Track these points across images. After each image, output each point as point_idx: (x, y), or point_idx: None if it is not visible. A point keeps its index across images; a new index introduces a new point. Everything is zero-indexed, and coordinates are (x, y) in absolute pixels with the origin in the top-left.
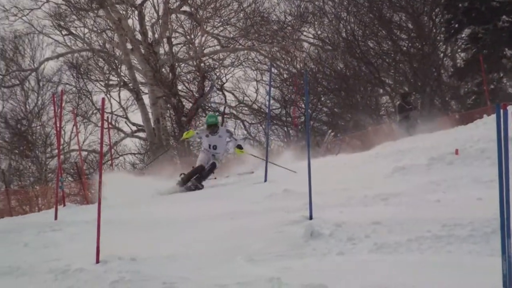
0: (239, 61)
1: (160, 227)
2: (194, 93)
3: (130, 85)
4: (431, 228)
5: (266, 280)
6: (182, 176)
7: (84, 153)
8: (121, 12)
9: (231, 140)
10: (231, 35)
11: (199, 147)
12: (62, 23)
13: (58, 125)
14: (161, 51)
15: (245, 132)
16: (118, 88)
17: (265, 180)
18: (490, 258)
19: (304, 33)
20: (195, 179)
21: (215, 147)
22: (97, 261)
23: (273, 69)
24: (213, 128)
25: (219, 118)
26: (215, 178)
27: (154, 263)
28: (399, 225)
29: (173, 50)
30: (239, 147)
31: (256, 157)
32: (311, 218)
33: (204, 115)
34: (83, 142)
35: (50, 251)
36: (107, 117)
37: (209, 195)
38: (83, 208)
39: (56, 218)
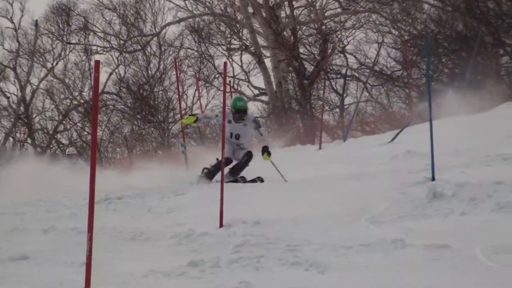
0: (360, 23)
1: (284, 190)
2: (316, 56)
3: (251, 48)
4: None
5: (390, 241)
6: (206, 171)
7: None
8: None
9: (256, 133)
10: None
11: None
12: None
13: (180, 89)
14: (282, 14)
15: (367, 94)
16: (239, 52)
17: (391, 141)
18: None
19: None
20: (229, 172)
21: (237, 137)
22: (221, 225)
23: (394, 31)
24: (241, 114)
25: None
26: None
27: (278, 226)
28: None
29: (294, 13)
30: (266, 149)
31: (279, 173)
32: (433, 179)
33: (327, 77)
34: (206, 106)
35: (173, 216)
36: (229, 81)
37: (332, 158)
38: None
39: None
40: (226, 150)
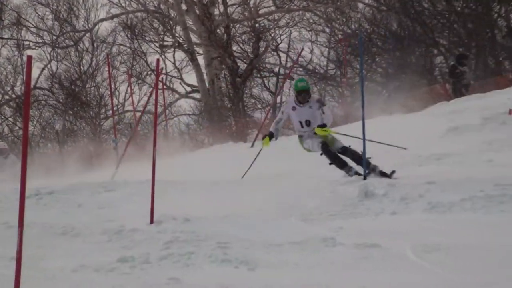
0: (294, 21)
1: (214, 187)
2: (249, 54)
3: (184, 46)
4: (484, 188)
5: (320, 240)
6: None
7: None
8: None
9: (320, 113)
10: None
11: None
12: None
13: (112, 85)
14: (216, 11)
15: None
16: (172, 49)
17: None
18: None
19: None
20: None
21: (308, 123)
22: (151, 222)
23: (327, 30)
24: (304, 95)
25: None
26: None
27: (208, 223)
28: (453, 184)
29: (228, 11)
30: (323, 125)
31: (345, 135)
32: (365, 178)
33: (258, 76)
34: (138, 103)
35: (104, 211)
36: (162, 78)
37: (267, 156)
38: (137, 169)
39: (113, 178)
40: (310, 145)
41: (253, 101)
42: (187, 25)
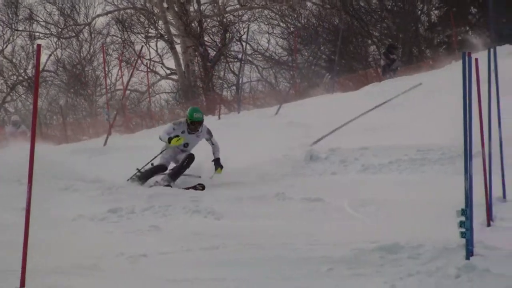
0: (255, 17)
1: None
2: (217, 43)
3: (165, 37)
4: (408, 153)
5: (273, 195)
6: (138, 173)
7: (127, 92)
8: None
9: (209, 143)
10: None
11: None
12: None
13: (106, 69)
14: (191, 9)
15: (259, 75)
16: (155, 39)
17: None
18: (456, 176)
19: None
20: (169, 175)
21: (186, 145)
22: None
23: (282, 23)
24: (197, 125)
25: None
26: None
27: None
28: (383, 150)
29: (201, 8)
30: (219, 162)
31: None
32: (311, 144)
33: (225, 61)
34: (127, 83)
35: (98, 171)
36: (146, 62)
37: (229, 126)
38: (125, 137)
39: (105, 144)
40: (165, 157)
41: (220, 81)
42: (168, 20)
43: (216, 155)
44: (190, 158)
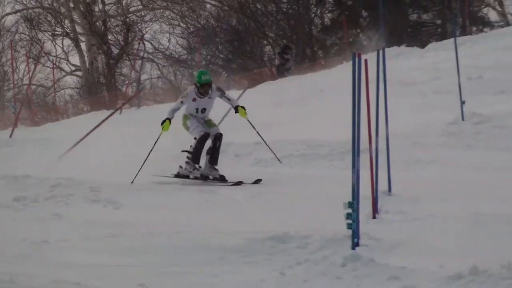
0: (156, 17)
1: (92, 146)
2: (121, 42)
3: (71, 35)
4: (299, 148)
5: (170, 186)
6: (189, 155)
7: (33, 87)
8: None
9: (224, 100)
10: None
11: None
12: None
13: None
14: (96, 9)
15: (160, 73)
16: (61, 37)
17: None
18: (344, 171)
19: None
20: (210, 163)
21: (203, 111)
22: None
23: (182, 24)
24: (206, 88)
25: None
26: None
27: (85, 172)
28: (275, 145)
29: (105, 8)
30: (238, 106)
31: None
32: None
33: (127, 59)
34: (34, 79)
35: (4, 162)
36: (52, 59)
37: (130, 121)
38: (31, 130)
39: (11, 136)
40: (199, 127)
41: (123, 78)
42: (74, 19)
43: (235, 104)
44: (220, 138)
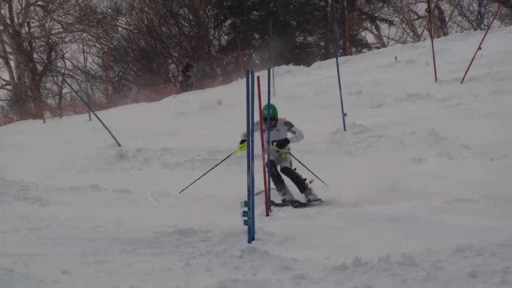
0: (75, 38)
1: (21, 150)
2: (44, 60)
3: (1, 53)
4: (200, 153)
5: (89, 186)
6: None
7: None
8: None
9: (291, 133)
10: (70, 21)
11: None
12: None
13: None
14: (23, 31)
15: (78, 86)
16: None
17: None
18: (240, 174)
19: (119, 21)
20: (302, 190)
21: (273, 143)
22: None
23: (97, 44)
24: (270, 121)
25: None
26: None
27: (15, 173)
28: (180, 151)
29: (31, 31)
30: (284, 143)
31: (298, 161)
32: (119, 145)
33: (50, 75)
34: None
35: None
36: None
37: (52, 130)
38: None
39: None
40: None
41: (46, 91)
42: (3, 40)
43: (294, 140)
44: (286, 172)
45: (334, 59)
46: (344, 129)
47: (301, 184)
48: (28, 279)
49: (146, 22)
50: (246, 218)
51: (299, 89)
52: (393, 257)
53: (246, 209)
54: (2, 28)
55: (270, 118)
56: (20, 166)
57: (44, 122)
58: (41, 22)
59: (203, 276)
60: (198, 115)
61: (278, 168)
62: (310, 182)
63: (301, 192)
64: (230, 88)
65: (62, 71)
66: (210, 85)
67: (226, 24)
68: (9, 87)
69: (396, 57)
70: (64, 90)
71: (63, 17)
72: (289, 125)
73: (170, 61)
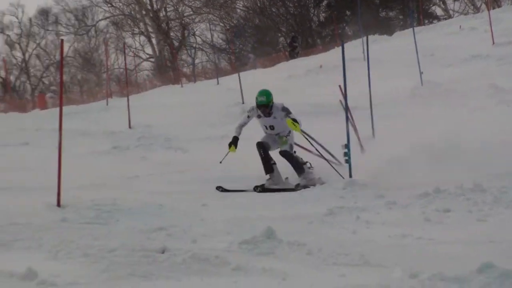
0: (203, 19)
1: (164, 109)
2: (179, 36)
3: (145, 33)
4: (305, 108)
5: (220, 137)
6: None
7: (120, 70)
8: None
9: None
10: (198, 5)
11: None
12: None
13: (107, 55)
14: (161, 14)
15: (207, 58)
16: (138, 35)
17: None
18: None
19: (238, 4)
20: (299, 173)
21: (272, 128)
22: (129, 127)
23: (221, 23)
24: (263, 109)
25: (270, 94)
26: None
27: (161, 127)
28: (290, 106)
29: (167, 15)
30: (294, 120)
31: (309, 139)
32: (243, 102)
33: (185, 49)
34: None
35: (103, 122)
36: (133, 50)
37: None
38: (120, 99)
39: (107, 104)
40: (263, 139)
41: (182, 62)
42: (146, 22)
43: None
44: (285, 155)
45: (411, 29)
46: (421, 85)
47: (299, 168)
48: (175, 210)
49: (259, 4)
50: (346, 158)
51: (384, 53)
52: (466, 185)
53: (346, 150)
54: (144, 12)
55: (264, 105)
56: (164, 122)
57: (182, 86)
58: (175, 7)
59: (315, 204)
60: (304, 78)
61: (275, 153)
62: (310, 167)
63: (298, 176)
64: (329, 55)
65: (194, 45)
66: (313, 53)
67: (323, 3)
68: (152, 59)
69: (460, 26)
70: (197, 61)
71: (193, 2)
72: (286, 111)
73: (279, 34)
